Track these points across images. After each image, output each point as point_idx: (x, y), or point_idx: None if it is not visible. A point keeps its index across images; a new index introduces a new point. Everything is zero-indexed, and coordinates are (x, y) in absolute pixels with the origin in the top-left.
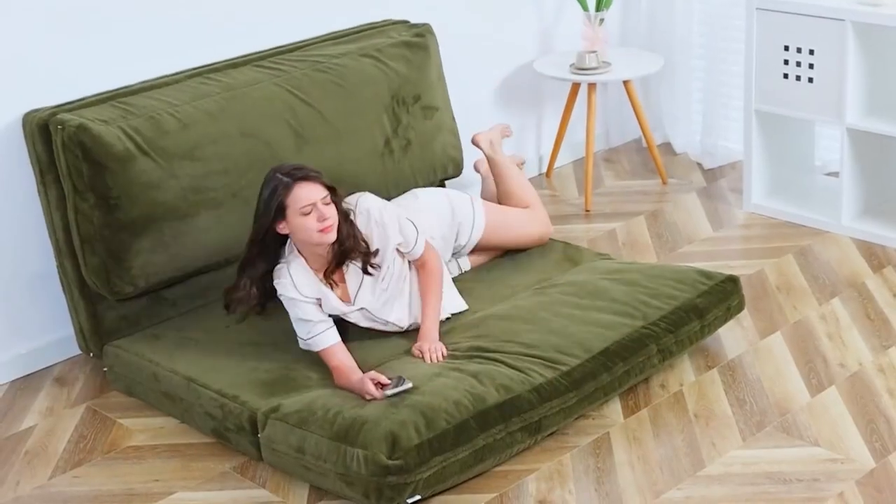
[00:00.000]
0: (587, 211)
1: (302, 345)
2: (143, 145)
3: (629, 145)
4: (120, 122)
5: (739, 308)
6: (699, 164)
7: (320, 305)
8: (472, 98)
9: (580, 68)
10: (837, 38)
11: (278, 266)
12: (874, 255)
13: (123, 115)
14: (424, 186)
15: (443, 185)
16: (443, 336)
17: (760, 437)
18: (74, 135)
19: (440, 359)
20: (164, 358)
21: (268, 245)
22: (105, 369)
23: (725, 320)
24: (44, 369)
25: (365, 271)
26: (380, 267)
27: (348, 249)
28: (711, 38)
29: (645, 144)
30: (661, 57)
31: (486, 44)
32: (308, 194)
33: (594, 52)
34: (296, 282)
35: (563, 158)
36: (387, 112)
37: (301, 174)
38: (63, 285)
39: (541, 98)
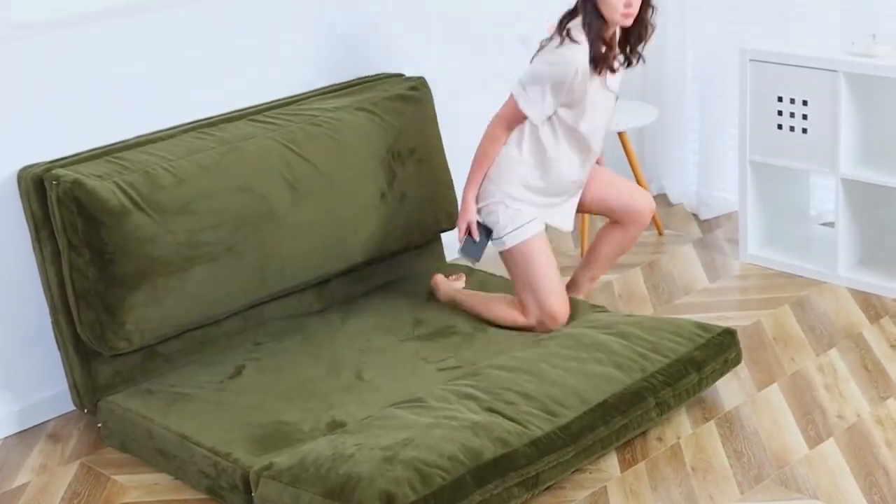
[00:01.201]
0: None
1: (522, 98)
2: (138, 200)
3: None
4: (115, 177)
5: (737, 361)
6: (695, 215)
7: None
8: (467, 151)
9: None
10: (830, 88)
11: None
12: (871, 306)
13: (118, 170)
14: (419, 240)
15: (439, 239)
16: (439, 383)
17: (758, 490)
18: (69, 190)
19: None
20: (157, 414)
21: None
22: (99, 425)
23: (723, 373)
24: (37, 425)
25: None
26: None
27: (631, 42)
28: (705, 89)
29: None
30: (655, 108)
31: (480, 96)
32: None
33: None
34: (582, 62)
35: None
36: (382, 165)
37: None
38: (57, 341)
39: None
